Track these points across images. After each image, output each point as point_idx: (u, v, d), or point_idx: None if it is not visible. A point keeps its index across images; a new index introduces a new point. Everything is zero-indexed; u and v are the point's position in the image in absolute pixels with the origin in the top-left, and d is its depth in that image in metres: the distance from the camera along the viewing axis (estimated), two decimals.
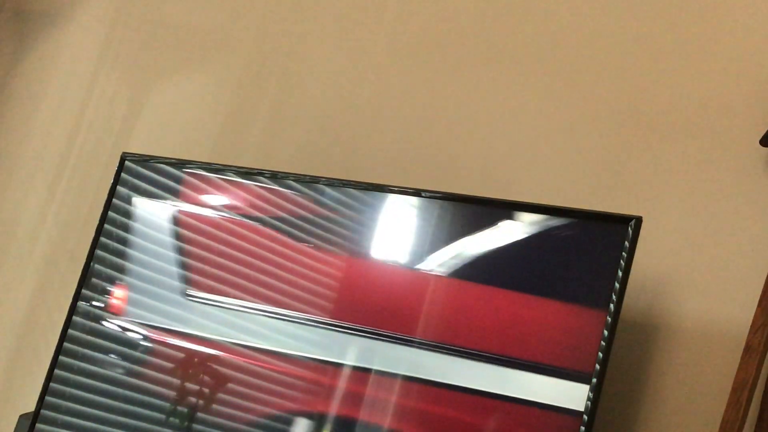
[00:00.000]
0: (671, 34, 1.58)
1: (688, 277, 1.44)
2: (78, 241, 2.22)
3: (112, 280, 1.70)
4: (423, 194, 1.47)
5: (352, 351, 1.43)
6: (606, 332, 1.23)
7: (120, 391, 1.62)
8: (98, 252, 1.73)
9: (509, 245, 1.37)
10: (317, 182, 1.56)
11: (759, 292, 1.31)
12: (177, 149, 2.05)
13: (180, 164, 1.72)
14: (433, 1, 1.88)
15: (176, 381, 1.57)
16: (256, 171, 1.64)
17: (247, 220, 1.61)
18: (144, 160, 1.75)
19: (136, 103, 2.27)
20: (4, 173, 2.46)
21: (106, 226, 1.74)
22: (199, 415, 1.53)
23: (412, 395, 1.36)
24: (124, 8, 2.37)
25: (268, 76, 2.07)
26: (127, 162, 1.76)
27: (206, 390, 1.54)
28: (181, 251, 1.65)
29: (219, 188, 1.66)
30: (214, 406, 1.52)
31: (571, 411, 1.23)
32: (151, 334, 1.62)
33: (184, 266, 1.64)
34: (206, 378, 1.55)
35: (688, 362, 1.40)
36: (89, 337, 1.68)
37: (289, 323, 1.50)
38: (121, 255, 1.71)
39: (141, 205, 1.73)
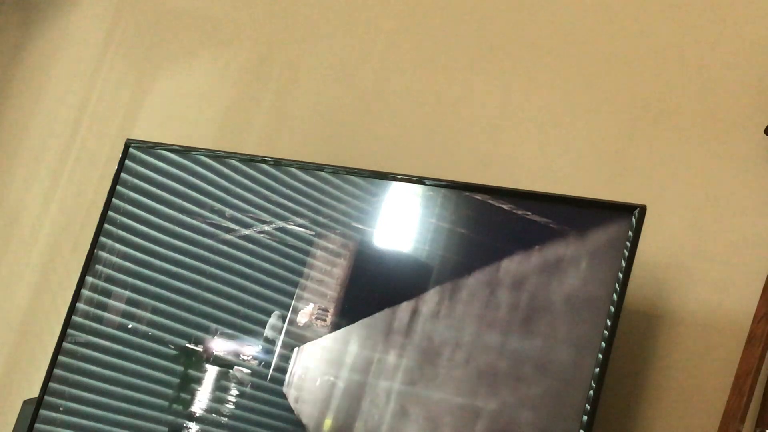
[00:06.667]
0: (676, 24, 1.57)
1: (692, 266, 1.44)
2: (82, 228, 2.22)
3: (115, 268, 1.70)
4: (426, 182, 1.47)
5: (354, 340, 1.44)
6: (609, 321, 1.23)
7: (123, 377, 1.62)
8: (102, 239, 1.73)
9: (513, 233, 1.37)
10: (321, 170, 1.56)
11: (762, 282, 1.31)
12: (181, 136, 2.05)
13: (184, 151, 1.71)
14: None
15: (179, 368, 1.57)
16: (260, 158, 1.64)
17: (250, 207, 1.61)
18: (148, 147, 1.75)
19: (141, 90, 2.27)
20: (9, 161, 2.47)
21: (110, 213, 1.74)
22: (202, 401, 1.53)
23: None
24: None
25: (272, 63, 2.07)
26: (131, 149, 1.76)
27: (208, 383, 1.54)
28: (185, 238, 1.66)
29: (223, 175, 1.66)
30: (217, 393, 1.53)
31: (572, 399, 1.23)
32: (155, 321, 1.63)
33: (188, 253, 1.64)
34: (210, 366, 1.55)
35: (692, 351, 1.40)
36: (93, 324, 1.69)
37: (293, 314, 1.51)
38: (125, 242, 1.71)
39: (145, 192, 1.73)
